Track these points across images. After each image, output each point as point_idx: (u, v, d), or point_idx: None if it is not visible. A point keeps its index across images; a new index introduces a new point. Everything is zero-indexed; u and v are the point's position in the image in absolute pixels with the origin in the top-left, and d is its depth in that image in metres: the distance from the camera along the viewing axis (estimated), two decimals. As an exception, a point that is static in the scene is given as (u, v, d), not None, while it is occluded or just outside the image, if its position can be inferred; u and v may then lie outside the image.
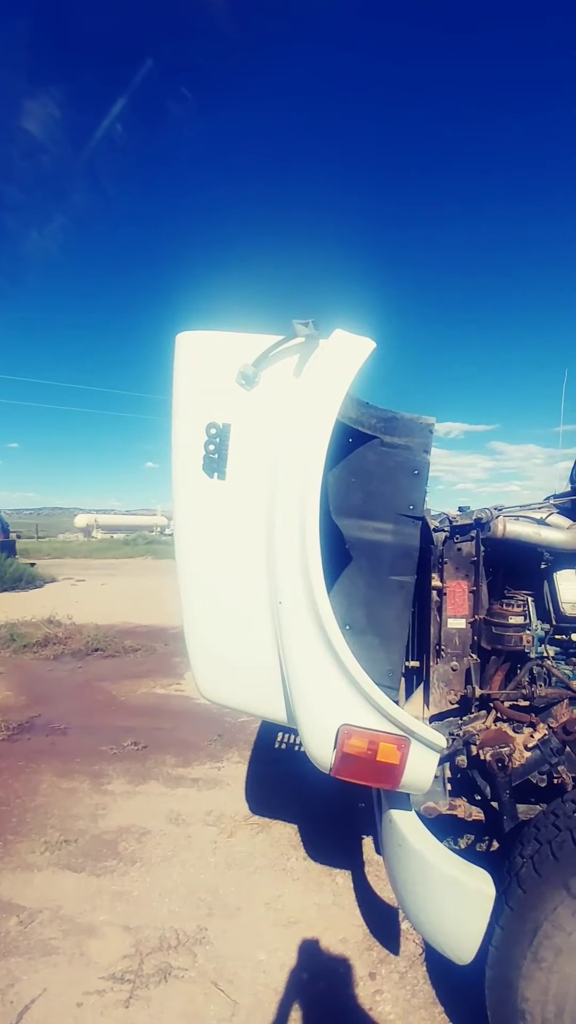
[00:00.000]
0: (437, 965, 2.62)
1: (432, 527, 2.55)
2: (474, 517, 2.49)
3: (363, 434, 2.08)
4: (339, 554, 2.10)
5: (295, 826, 3.90)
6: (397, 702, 2.61)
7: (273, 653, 1.82)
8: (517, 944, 1.81)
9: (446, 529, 2.54)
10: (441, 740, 1.83)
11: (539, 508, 2.81)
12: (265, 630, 1.82)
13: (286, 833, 3.83)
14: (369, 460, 2.10)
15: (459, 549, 2.51)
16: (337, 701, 1.78)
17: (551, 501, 2.90)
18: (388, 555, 2.08)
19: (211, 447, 1.81)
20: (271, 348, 1.73)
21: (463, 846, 3.21)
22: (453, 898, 1.90)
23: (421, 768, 1.83)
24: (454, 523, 2.51)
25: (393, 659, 2.07)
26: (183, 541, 1.92)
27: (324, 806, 3.98)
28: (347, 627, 2.06)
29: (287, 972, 2.70)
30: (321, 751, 1.85)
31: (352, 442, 2.09)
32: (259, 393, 1.78)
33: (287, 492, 1.72)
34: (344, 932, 2.94)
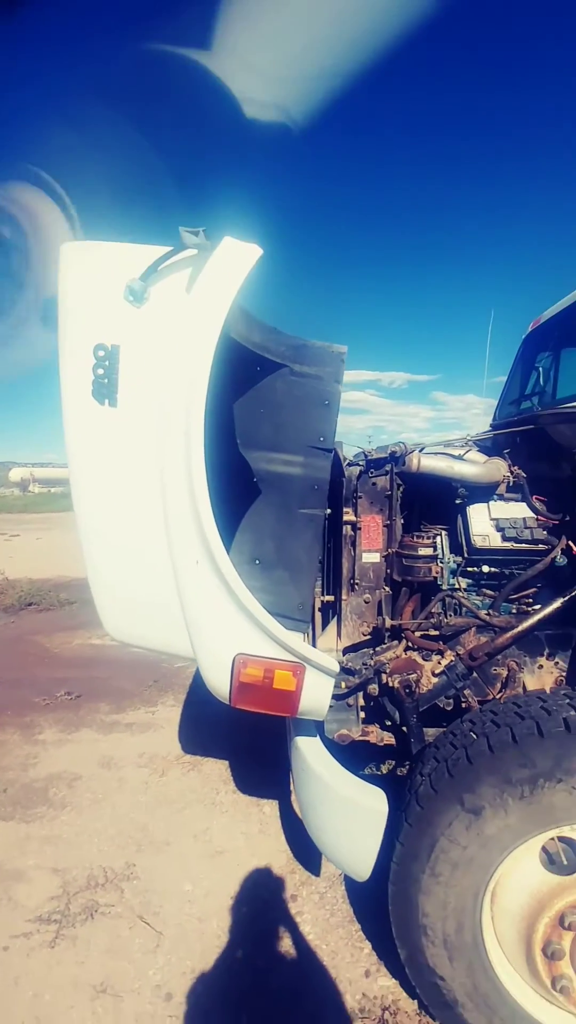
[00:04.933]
0: (355, 885, 2.73)
1: (346, 461, 2.51)
2: (389, 451, 2.46)
3: (272, 362, 1.98)
4: (248, 487, 2.03)
5: (226, 762, 3.96)
6: (315, 637, 2.62)
7: (172, 587, 1.76)
8: (416, 859, 1.87)
9: (361, 463, 2.51)
10: (334, 664, 1.83)
11: (460, 446, 2.83)
12: (164, 565, 1.75)
13: (217, 769, 3.89)
14: (278, 390, 2.01)
15: (374, 484, 2.49)
16: (231, 631, 1.74)
17: (469, 438, 2.92)
18: (298, 488, 2.03)
19: (100, 371, 1.67)
20: (159, 260, 1.59)
21: (385, 771, 3.33)
22: (348, 817, 1.95)
23: (317, 694, 1.84)
24: (369, 457, 2.48)
25: (303, 592, 2.04)
26: (76, 474, 1.80)
27: (254, 742, 4.05)
28: (256, 561, 2.01)
29: (211, 901, 2.76)
30: (219, 681, 1.82)
31: (260, 371, 1.99)
32: (148, 310, 1.64)
33: (174, 416, 1.62)
34: (269, 859, 3.03)
